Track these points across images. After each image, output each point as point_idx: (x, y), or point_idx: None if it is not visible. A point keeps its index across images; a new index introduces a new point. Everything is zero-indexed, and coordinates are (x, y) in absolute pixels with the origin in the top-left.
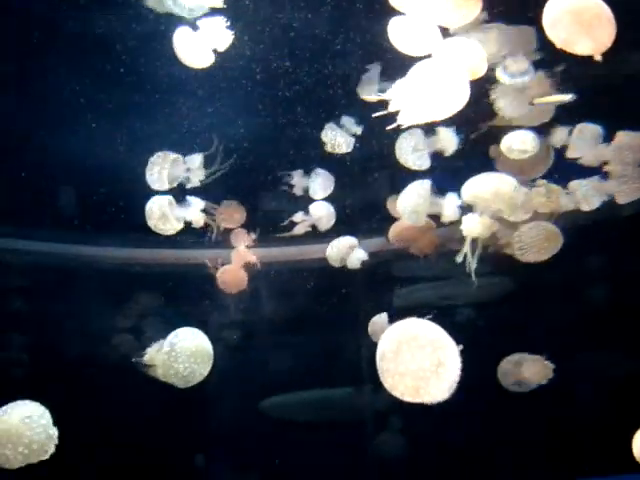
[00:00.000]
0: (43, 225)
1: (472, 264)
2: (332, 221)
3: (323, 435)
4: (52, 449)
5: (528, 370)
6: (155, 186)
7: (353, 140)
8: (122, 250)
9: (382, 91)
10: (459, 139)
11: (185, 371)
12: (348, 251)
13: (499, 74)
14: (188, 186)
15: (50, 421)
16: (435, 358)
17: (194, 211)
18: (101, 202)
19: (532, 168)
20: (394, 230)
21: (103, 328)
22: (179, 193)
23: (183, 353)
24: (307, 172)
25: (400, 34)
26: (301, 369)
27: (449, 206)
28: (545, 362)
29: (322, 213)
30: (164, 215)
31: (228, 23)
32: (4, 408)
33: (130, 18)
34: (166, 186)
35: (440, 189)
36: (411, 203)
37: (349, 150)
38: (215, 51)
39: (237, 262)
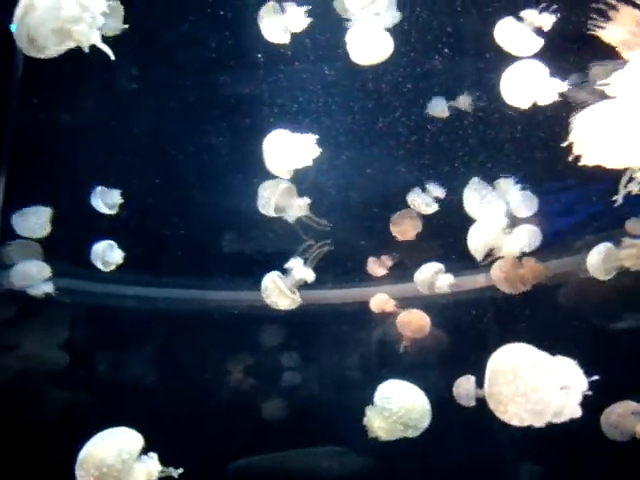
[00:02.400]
0: (174, 271)
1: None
2: (537, 241)
3: None
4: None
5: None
6: (263, 211)
7: (436, 204)
8: None
9: None
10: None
11: (400, 411)
12: (434, 276)
13: None
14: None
15: (131, 450)
16: (514, 386)
17: (301, 272)
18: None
19: None
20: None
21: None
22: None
23: (393, 402)
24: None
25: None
26: None
27: (520, 238)
28: None
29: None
30: (281, 292)
31: None
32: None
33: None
34: (272, 214)
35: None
36: (479, 242)
37: (433, 211)
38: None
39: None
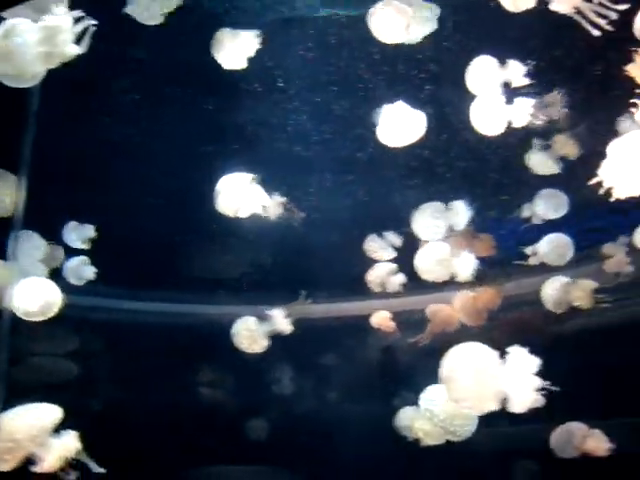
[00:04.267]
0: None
1: None
2: (567, 254)
3: None
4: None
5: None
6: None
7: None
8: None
9: None
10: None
11: (442, 415)
12: (388, 276)
13: None
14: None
15: (42, 426)
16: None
17: (280, 324)
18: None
19: None
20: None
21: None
22: None
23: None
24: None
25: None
26: None
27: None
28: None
29: (553, 245)
30: (252, 337)
31: None
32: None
33: None
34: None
35: None
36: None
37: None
38: None
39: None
